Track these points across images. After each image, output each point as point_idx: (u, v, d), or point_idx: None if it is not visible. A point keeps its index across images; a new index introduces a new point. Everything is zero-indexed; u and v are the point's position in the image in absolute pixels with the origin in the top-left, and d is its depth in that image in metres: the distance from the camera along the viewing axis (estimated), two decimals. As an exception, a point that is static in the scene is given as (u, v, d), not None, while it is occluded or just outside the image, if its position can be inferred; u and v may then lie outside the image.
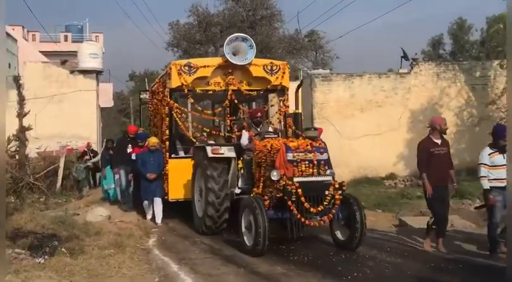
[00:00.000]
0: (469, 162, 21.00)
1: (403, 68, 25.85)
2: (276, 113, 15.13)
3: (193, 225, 13.54)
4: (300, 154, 10.77)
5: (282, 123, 14.97)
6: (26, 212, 12.87)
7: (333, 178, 10.93)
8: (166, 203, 14.87)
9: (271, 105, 15.26)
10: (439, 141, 10.86)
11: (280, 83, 14.88)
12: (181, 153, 15.13)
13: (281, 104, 15.10)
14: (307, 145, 10.88)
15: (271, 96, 15.48)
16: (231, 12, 35.23)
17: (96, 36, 45.57)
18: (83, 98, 24.62)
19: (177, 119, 14.81)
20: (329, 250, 11.02)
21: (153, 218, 14.82)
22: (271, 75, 14.81)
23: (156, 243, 12.18)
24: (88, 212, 15.44)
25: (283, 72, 14.89)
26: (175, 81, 14.43)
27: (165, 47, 37.27)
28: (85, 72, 25.11)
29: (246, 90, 14.82)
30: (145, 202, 14.90)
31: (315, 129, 11.19)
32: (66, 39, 48.81)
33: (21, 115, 18.57)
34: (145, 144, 15.46)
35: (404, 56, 25.85)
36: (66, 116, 24.36)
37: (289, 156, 10.70)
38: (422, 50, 58.11)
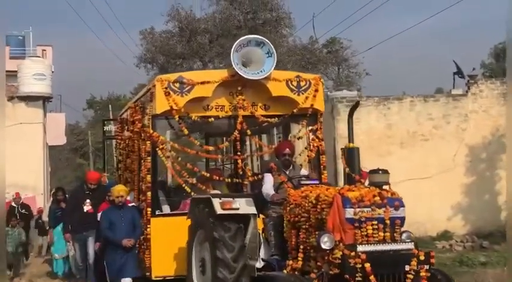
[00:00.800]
0: None
1: (457, 88, 24.53)
2: (306, 148, 12.90)
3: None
4: (365, 210, 8.86)
5: (312, 163, 12.77)
6: None
7: (415, 246, 9.01)
8: None
9: (298, 138, 13.01)
10: None
11: (311, 105, 12.85)
12: (168, 209, 13.23)
13: (312, 135, 12.88)
14: (374, 196, 8.92)
15: (296, 124, 13.28)
16: (224, 16, 32.73)
17: (42, 50, 42.77)
18: (26, 133, 23.64)
19: (163, 158, 12.62)
20: None
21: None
22: (299, 95, 12.81)
23: None
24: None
25: (315, 90, 12.89)
26: (161, 105, 12.38)
27: (136, 63, 35.36)
28: (28, 98, 24.36)
29: (263, 116, 12.65)
30: None
31: (385, 171, 9.04)
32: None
33: None
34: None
35: (459, 72, 24.52)
36: (3, 158, 22.20)
37: (349, 212, 8.81)
38: (482, 63, 57.55)
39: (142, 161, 13.17)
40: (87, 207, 13.95)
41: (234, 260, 10.23)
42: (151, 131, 12.65)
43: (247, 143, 13.90)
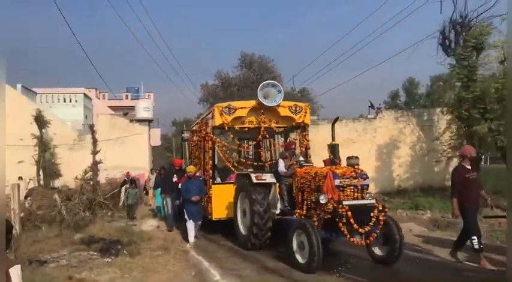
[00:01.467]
0: (421, 182, 21.91)
1: (370, 115, 24.76)
2: (300, 146, 12.46)
3: (221, 232, 12.03)
4: (346, 180, 8.25)
5: (302, 154, 12.34)
6: (97, 224, 12.99)
7: (376, 201, 8.39)
8: (207, 222, 12.19)
9: (295, 139, 12.61)
10: (470, 167, 8.35)
11: (303, 121, 12.28)
12: (219, 180, 12.42)
13: (303, 138, 12.46)
14: (351, 172, 8.34)
15: (293, 132, 12.85)
16: (245, 76, 33.27)
17: (148, 94, 44.01)
18: (139, 139, 24.28)
19: (218, 151, 12.13)
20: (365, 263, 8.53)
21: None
22: (295, 115, 12.21)
23: (193, 246, 11.21)
24: (142, 223, 14.71)
25: (305, 112, 12.32)
26: (217, 120, 11.78)
27: (198, 102, 35.28)
28: (140, 121, 24.75)
29: (276, 127, 12.21)
30: (190, 222, 11.76)
31: (356, 157, 8.63)
32: (127, 97, 47.64)
33: (94, 152, 19.54)
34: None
35: (371, 106, 24.90)
36: (127, 152, 23.22)
37: (337, 182, 8.19)
38: (384, 101, 57.16)
39: (205, 153, 12.62)
40: (175, 179, 13.34)
41: (264, 212, 9.69)
42: (212, 136, 12.19)
43: (264, 143, 13.46)
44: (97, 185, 18.14)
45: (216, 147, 12.05)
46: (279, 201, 10.16)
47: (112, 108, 40.22)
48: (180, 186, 12.39)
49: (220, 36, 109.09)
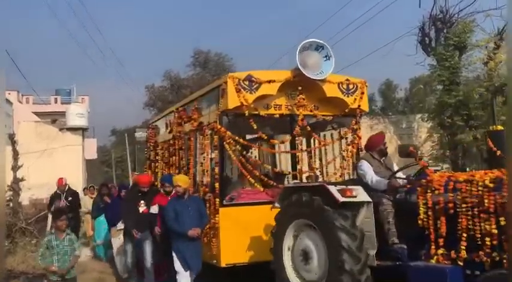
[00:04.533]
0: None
1: None
2: (349, 145, 7.66)
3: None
4: None
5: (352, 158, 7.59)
6: (18, 254, 10.78)
7: None
8: (207, 271, 6.85)
9: (342, 137, 7.79)
10: None
11: (359, 106, 7.58)
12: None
13: (354, 134, 7.67)
14: None
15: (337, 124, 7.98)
16: (199, 77, 29.54)
17: (82, 98, 37.40)
18: (71, 151, 20.71)
19: (230, 151, 7.02)
20: None
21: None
22: (348, 96, 7.48)
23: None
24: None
25: (362, 93, 7.64)
26: (232, 101, 6.82)
27: (143, 107, 30.79)
28: (72, 129, 21.46)
29: (321, 115, 7.38)
30: (184, 275, 6.46)
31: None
32: (56, 101, 40.03)
33: (15, 168, 15.28)
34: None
35: None
36: (56, 167, 18.97)
37: None
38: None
39: (205, 155, 7.52)
40: (142, 208, 7.73)
41: (359, 249, 4.90)
42: (219, 127, 7.08)
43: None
44: (18, 207, 14.21)
45: (227, 146, 6.91)
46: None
47: (38, 114, 33.51)
48: (152, 212, 7.41)
49: (169, 31, 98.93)
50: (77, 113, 21.51)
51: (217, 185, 7.01)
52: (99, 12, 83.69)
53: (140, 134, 12.67)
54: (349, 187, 5.17)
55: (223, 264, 6.81)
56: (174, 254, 6.44)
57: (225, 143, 7.03)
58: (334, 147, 8.24)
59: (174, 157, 9.11)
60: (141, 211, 7.54)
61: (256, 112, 7.01)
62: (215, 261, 6.94)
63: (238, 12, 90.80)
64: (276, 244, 5.85)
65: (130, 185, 10.34)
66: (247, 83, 6.92)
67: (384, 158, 5.86)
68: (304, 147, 7.93)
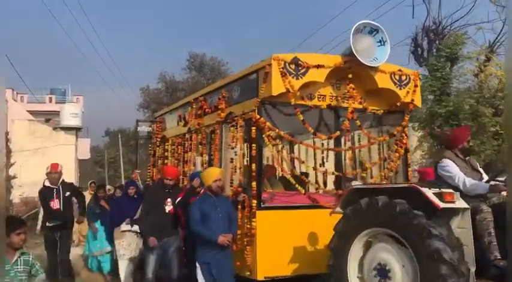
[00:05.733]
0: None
1: None
2: (397, 145, 6.56)
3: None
4: None
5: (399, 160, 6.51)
6: None
7: None
8: None
9: (391, 135, 6.67)
10: None
11: (412, 100, 6.46)
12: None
13: (401, 132, 6.57)
14: None
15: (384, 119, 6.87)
16: (194, 80, 28.67)
17: (77, 98, 36.11)
18: (64, 150, 19.90)
19: (269, 145, 5.86)
20: None
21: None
22: (400, 89, 6.39)
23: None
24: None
25: (415, 86, 6.53)
26: (277, 86, 5.68)
27: (137, 108, 30.39)
28: (66, 129, 20.90)
29: (373, 109, 6.31)
30: None
31: None
32: (50, 101, 38.07)
33: (7, 166, 15.37)
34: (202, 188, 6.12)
35: None
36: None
37: None
38: None
39: (237, 149, 6.30)
40: (168, 207, 6.20)
41: (461, 263, 3.86)
42: (257, 116, 5.92)
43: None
44: (9, 205, 14.12)
45: (265, 139, 5.75)
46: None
47: (32, 112, 32.46)
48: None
49: (165, 33, 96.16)
50: (71, 113, 20.91)
51: (254, 184, 5.83)
52: (95, 12, 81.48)
53: (143, 128, 11.33)
54: (446, 190, 4.06)
55: (260, 277, 5.64)
56: (198, 265, 5.19)
57: (264, 135, 5.87)
58: (372, 148, 7.12)
59: (189, 153, 7.89)
60: (167, 211, 6.22)
61: (303, 102, 5.87)
62: (249, 273, 5.76)
63: (234, 17, 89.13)
64: (338, 258, 4.71)
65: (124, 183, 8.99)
66: (293, 66, 5.81)
67: (468, 157, 4.79)
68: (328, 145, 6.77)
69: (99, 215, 8.53)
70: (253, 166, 5.89)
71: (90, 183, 11.44)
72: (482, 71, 15.48)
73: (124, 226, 7.59)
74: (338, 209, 4.82)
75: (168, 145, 9.07)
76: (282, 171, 5.99)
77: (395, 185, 4.80)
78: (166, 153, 9.12)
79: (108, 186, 12.47)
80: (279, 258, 5.67)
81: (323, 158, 7.11)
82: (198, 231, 5.15)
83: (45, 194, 7.22)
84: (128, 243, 7.58)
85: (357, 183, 5.21)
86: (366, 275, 4.49)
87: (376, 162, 6.65)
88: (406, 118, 6.60)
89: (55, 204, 7.14)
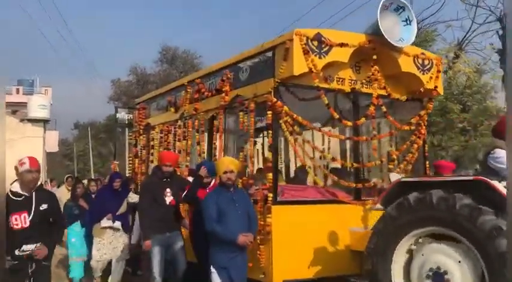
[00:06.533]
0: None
1: None
2: (415, 135, 5.92)
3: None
4: None
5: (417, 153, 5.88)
6: None
7: None
8: None
9: (409, 124, 5.99)
10: None
11: (435, 87, 5.82)
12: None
13: (420, 122, 5.93)
14: None
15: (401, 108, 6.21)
16: (166, 73, 27.70)
17: (45, 89, 34.14)
18: (31, 143, 18.78)
19: (286, 133, 5.06)
20: None
21: None
22: (423, 74, 5.74)
23: None
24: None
25: (438, 71, 5.89)
26: (300, 65, 4.91)
27: (107, 101, 29.33)
28: (34, 121, 19.83)
29: (396, 95, 5.63)
30: None
31: None
32: (18, 92, 35.96)
33: None
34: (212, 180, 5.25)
35: None
36: (15, 159, 14.90)
37: None
38: None
39: (248, 137, 5.49)
40: (169, 199, 5.40)
41: None
42: (273, 99, 5.11)
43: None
44: None
45: (283, 125, 4.97)
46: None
47: None
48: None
49: (138, 25, 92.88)
50: (39, 105, 19.77)
51: (270, 175, 5.03)
52: (65, 4, 77.65)
53: (123, 115, 10.28)
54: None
55: (277, 281, 4.84)
56: (213, 270, 4.35)
57: (281, 121, 5.08)
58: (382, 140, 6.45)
59: (183, 142, 7.00)
60: (168, 202, 5.32)
61: (326, 85, 5.11)
62: (263, 275, 4.97)
63: (208, 10, 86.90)
64: (378, 262, 3.97)
65: (109, 175, 7.93)
66: (316, 43, 5.06)
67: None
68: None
69: (78, 216, 7.45)
70: (269, 155, 5.09)
71: (67, 178, 10.29)
72: (450, 68, 15.36)
73: (105, 222, 6.63)
74: (378, 206, 4.09)
75: (154, 133, 8.13)
76: (300, 161, 5.20)
77: (455, 177, 4.12)
78: (152, 143, 8.17)
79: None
80: (297, 259, 4.93)
81: (341, 148, 6.37)
82: (214, 230, 4.31)
83: (12, 205, 3.93)
84: (108, 241, 6.63)
85: (394, 176, 4.50)
86: (415, 281, 3.79)
87: (398, 153, 5.95)
88: (431, 105, 5.97)
89: (21, 221, 3.94)
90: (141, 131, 8.69)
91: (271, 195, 4.98)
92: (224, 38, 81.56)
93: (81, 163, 34.52)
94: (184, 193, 5.10)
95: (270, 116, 5.12)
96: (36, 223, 3.91)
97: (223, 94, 5.93)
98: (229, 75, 5.94)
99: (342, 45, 5.17)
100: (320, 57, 5.05)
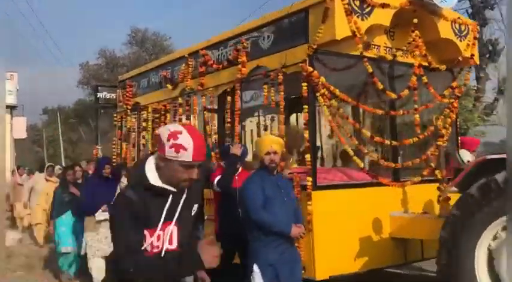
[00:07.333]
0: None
1: None
2: (448, 108, 5.28)
3: None
4: None
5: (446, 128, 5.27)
6: None
7: None
8: None
9: (442, 96, 5.32)
10: None
11: (472, 55, 5.16)
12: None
13: (453, 94, 5.30)
14: None
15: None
16: (135, 56, 26.41)
17: (11, 74, 31.37)
18: None
19: (324, 107, 4.28)
20: None
21: None
22: (461, 41, 5.06)
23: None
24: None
25: (475, 38, 5.23)
26: (341, 28, 4.05)
27: (76, 85, 28.15)
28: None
29: (435, 64, 4.95)
30: None
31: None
32: None
33: None
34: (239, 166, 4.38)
35: None
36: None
37: None
38: None
39: (276, 114, 4.70)
40: None
41: None
42: (310, 69, 4.30)
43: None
44: None
45: (320, 98, 4.20)
46: None
47: None
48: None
49: (106, 5, 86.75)
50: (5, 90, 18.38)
51: (308, 156, 4.26)
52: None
53: (104, 95, 9.13)
54: None
55: (321, 277, 4.13)
56: (256, 269, 3.56)
57: (318, 94, 4.29)
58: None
59: (187, 122, 6.10)
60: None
61: (370, 53, 4.36)
62: (303, 272, 4.21)
63: None
64: (456, 254, 3.30)
65: (98, 160, 6.94)
66: (358, 3, 4.25)
67: None
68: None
69: (69, 203, 6.45)
70: (306, 134, 4.31)
71: (47, 167, 9.12)
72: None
73: (100, 214, 5.68)
74: (454, 189, 3.42)
75: (146, 113, 7.16)
76: (340, 140, 4.46)
77: None
78: (144, 124, 7.20)
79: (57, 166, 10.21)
80: (340, 251, 4.23)
81: (379, 125, 5.67)
82: (264, 220, 3.49)
83: None
84: (104, 235, 5.70)
85: (465, 153, 3.82)
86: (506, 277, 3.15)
87: (431, 129, 5.28)
88: (468, 76, 5.34)
89: None
90: (127, 111, 7.69)
91: (310, 179, 4.21)
92: (196, 19, 78.72)
93: (51, 149, 32.70)
94: (217, 178, 4.23)
95: (305, 88, 4.32)
96: None
97: (240, 66, 5.07)
98: (245, 44, 5.07)
99: (383, 6, 4.41)
100: (363, 19, 4.28)
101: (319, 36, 4.22)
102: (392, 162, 4.86)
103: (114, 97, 9.06)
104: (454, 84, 5.41)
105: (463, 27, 5.23)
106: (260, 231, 3.52)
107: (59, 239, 6.38)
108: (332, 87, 4.40)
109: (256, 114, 7.34)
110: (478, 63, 5.76)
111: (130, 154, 7.58)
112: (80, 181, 6.72)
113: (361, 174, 4.76)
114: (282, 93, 4.55)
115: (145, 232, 1.87)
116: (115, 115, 8.45)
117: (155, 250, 1.89)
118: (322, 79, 4.33)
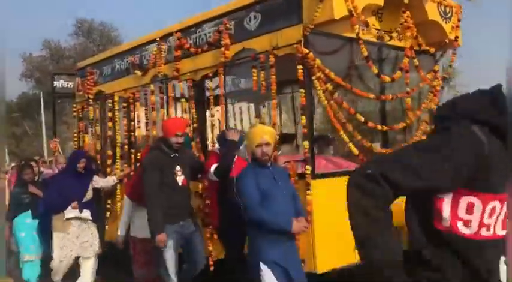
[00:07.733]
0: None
1: None
2: (431, 92, 5.20)
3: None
4: None
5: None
6: None
7: None
8: None
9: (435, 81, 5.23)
10: None
11: (456, 38, 5.08)
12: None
13: (434, 78, 5.23)
14: None
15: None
16: (82, 47, 25.46)
17: None
18: None
19: (319, 91, 4.01)
20: None
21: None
22: (446, 23, 4.97)
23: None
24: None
25: (458, 20, 5.14)
26: (339, 7, 3.78)
27: (19, 78, 26.17)
28: None
29: (425, 46, 4.80)
30: None
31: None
32: None
33: None
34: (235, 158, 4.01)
35: None
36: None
37: None
38: None
39: (271, 101, 4.36)
40: (180, 178, 3.96)
41: None
42: (305, 51, 4.00)
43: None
44: None
45: (316, 82, 3.93)
46: None
47: None
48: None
49: None
50: None
51: (306, 143, 3.97)
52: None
53: (61, 83, 8.39)
54: None
55: (321, 271, 3.89)
56: (263, 267, 3.24)
57: (313, 78, 4.00)
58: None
59: (162, 110, 5.67)
60: (180, 184, 4.01)
61: (368, 35, 4.13)
62: (303, 264, 3.96)
63: None
64: None
65: (71, 153, 6.34)
66: (354, -20, 3.97)
67: None
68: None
69: (28, 205, 5.78)
70: (303, 120, 4.01)
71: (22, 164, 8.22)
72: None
73: (70, 212, 5.15)
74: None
75: (111, 103, 6.59)
76: (336, 126, 4.20)
77: None
78: (110, 114, 6.63)
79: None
80: (339, 243, 3.96)
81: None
82: (262, 219, 3.20)
83: None
84: (75, 235, 5.17)
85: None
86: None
87: (418, 113, 5.17)
88: (453, 58, 5.26)
89: None
90: (89, 101, 7.07)
91: (308, 168, 3.94)
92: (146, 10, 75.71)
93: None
94: (214, 166, 3.84)
95: (300, 71, 4.02)
96: None
97: (223, 49, 4.68)
98: (228, 25, 4.68)
99: (377, -17, 4.18)
100: (358, -2, 4.03)
101: (315, 16, 3.91)
102: (384, 148, 4.70)
103: (72, 85, 8.37)
104: (436, 67, 5.34)
105: (448, 9, 5.12)
106: (260, 228, 3.22)
107: (19, 246, 5.71)
108: (327, 70, 4.14)
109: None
110: (460, 45, 5.70)
111: (95, 147, 6.99)
112: (36, 178, 6.11)
113: (347, 162, 4.56)
114: (274, 76, 4.22)
115: None
116: (74, 105, 7.77)
117: None
118: (318, 61, 4.05)
